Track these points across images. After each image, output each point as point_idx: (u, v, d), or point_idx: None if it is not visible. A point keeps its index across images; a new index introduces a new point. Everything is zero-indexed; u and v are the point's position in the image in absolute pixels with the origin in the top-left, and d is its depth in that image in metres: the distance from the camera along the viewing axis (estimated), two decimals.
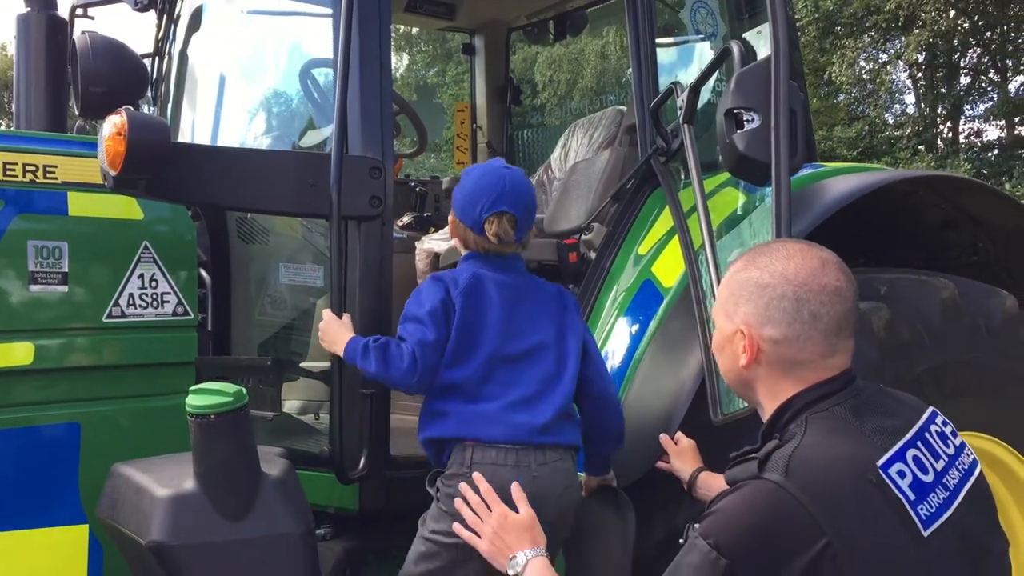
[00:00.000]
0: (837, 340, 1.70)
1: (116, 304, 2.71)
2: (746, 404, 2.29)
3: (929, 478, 1.59)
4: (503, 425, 2.35)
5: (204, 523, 2.14)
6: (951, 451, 1.68)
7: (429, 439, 2.44)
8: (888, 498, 1.53)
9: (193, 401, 2.14)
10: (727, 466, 1.71)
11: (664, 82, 3.24)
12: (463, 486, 2.22)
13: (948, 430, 1.73)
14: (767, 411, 1.77)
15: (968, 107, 23.55)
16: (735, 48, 2.44)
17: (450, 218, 2.60)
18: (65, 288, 2.64)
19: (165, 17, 3.93)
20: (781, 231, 2.24)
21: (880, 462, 1.56)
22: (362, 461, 2.67)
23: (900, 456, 1.58)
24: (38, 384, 2.62)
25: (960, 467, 1.69)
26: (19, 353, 2.57)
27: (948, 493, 1.60)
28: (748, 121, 2.27)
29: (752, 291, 1.73)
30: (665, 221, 3.07)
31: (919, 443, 1.63)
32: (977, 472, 1.73)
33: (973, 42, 22.07)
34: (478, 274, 2.48)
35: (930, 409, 1.74)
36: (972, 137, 23.70)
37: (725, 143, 2.33)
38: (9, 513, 2.53)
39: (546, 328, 2.49)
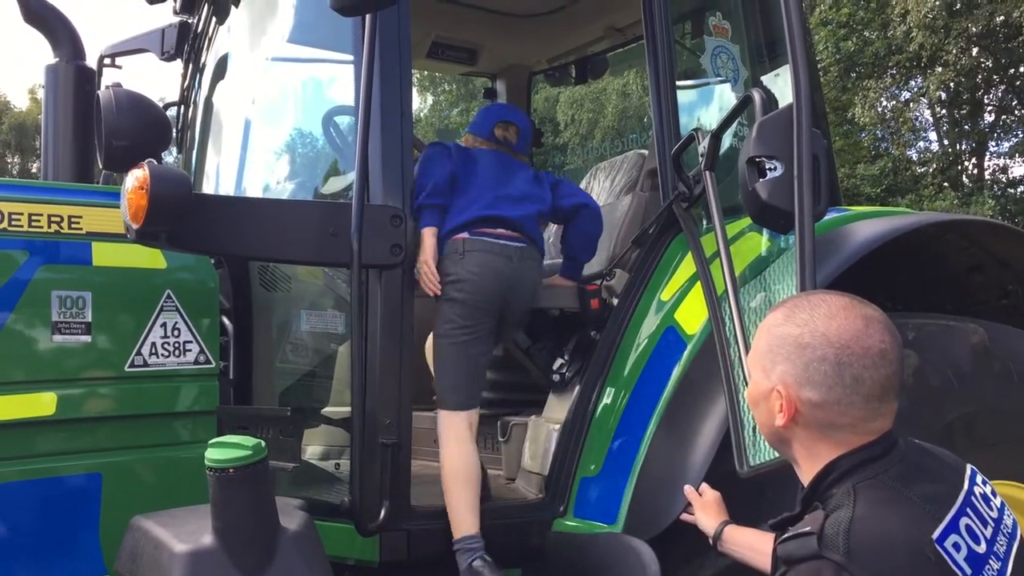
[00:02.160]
0: (880, 404, 1.63)
1: (139, 353, 2.71)
2: (773, 457, 2.26)
3: (982, 548, 1.53)
4: (489, 208, 3.10)
5: None
6: (995, 514, 1.62)
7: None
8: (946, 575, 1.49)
9: (212, 455, 2.12)
10: (777, 539, 1.64)
11: (684, 125, 3.23)
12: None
13: (988, 490, 1.67)
14: (804, 471, 1.72)
15: (993, 144, 23.39)
16: (756, 96, 2.43)
17: (463, 140, 3.37)
18: (88, 338, 2.64)
19: (191, 66, 3.98)
20: (805, 280, 2.21)
21: (935, 535, 1.49)
22: (382, 512, 2.65)
23: (954, 527, 1.52)
24: (60, 434, 2.62)
25: (1005, 531, 1.63)
26: (41, 403, 2.57)
27: (1000, 564, 1.55)
28: (771, 169, 2.24)
29: (791, 350, 1.66)
30: (688, 267, 3.04)
31: (968, 509, 1.57)
32: (1019, 535, 1.68)
33: (997, 79, 21.97)
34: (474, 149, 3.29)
35: (969, 468, 1.69)
36: (997, 174, 23.50)
37: (747, 191, 2.30)
38: (31, 565, 2.52)
39: (527, 184, 3.28)
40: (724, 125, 2.71)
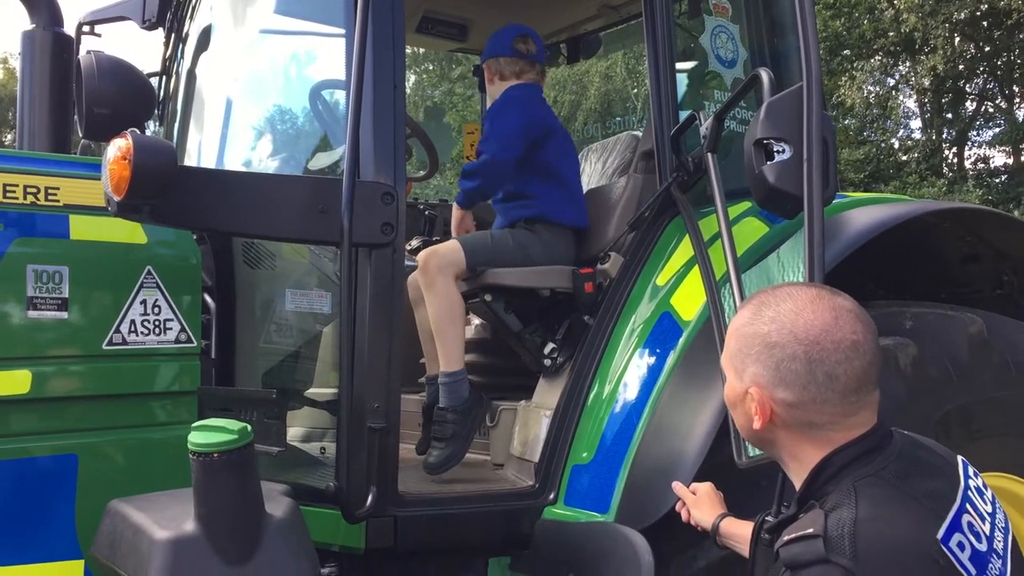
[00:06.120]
0: (858, 397, 1.58)
1: (117, 331, 2.62)
2: None
3: (983, 546, 1.50)
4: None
5: (204, 568, 2.03)
6: (990, 508, 1.59)
7: None
8: None
9: (196, 439, 2.03)
10: (779, 543, 1.58)
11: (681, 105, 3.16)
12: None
13: (980, 482, 1.64)
14: (793, 471, 1.67)
15: (975, 133, 23.52)
16: (764, 75, 2.36)
17: (487, 78, 3.64)
18: (64, 314, 2.55)
19: (173, 35, 3.86)
20: (815, 267, 2.15)
21: (940, 535, 1.46)
22: (369, 498, 2.57)
23: (956, 525, 1.48)
24: (34, 414, 2.53)
25: (1000, 526, 1.60)
26: (15, 382, 2.48)
27: (1001, 561, 1.52)
28: (778, 152, 2.17)
29: (760, 350, 1.60)
30: (684, 251, 2.98)
31: (967, 505, 1.53)
32: (1010, 527, 1.65)
33: (980, 69, 22.05)
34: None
35: (960, 459, 1.65)
36: (979, 163, 23.64)
37: (754, 174, 2.23)
38: (3, 547, 2.44)
39: None
40: (728, 106, 2.63)
